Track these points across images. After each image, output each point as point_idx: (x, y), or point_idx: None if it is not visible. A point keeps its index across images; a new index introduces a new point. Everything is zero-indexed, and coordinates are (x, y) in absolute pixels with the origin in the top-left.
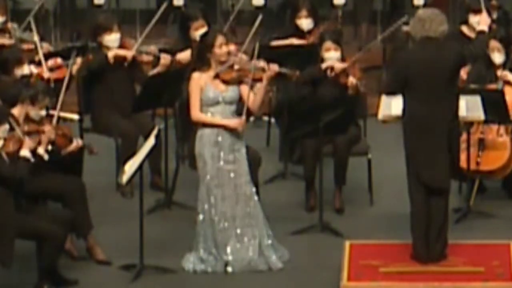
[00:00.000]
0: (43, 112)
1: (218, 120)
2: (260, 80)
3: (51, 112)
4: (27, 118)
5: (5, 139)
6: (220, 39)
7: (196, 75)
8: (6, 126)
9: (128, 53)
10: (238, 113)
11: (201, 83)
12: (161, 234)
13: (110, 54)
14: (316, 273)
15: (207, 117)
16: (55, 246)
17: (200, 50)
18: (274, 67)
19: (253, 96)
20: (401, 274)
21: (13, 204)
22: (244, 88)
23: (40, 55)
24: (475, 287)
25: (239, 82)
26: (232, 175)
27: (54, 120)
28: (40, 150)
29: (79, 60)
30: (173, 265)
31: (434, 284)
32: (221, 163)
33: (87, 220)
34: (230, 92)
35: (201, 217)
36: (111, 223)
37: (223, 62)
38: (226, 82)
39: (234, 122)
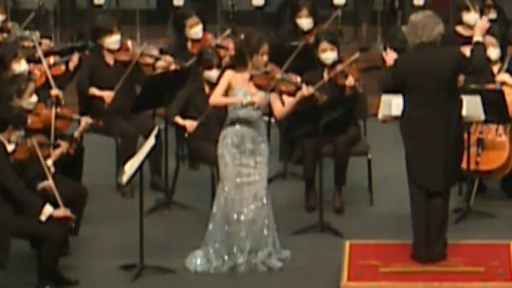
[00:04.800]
0: (35, 98)
1: (234, 98)
2: (288, 93)
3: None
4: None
5: (17, 144)
6: (265, 47)
7: (230, 73)
8: (21, 133)
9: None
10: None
11: (233, 82)
12: (161, 234)
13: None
14: (316, 273)
15: (223, 98)
16: (55, 246)
17: (241, 51)
18: (311, 89)
19: (280, 106)
20: (401, 274)
21: (12, 205)
22: (274, 97)
23: (40, 53)
24: (475, 287)
25: (270, 90)
26: (251, 179)
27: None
28: (49, 162)
29: (76, 57)
30: (173, 265)
31: (434, 284)
32: (242, 166)
33: (76, 226)
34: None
35: (216, 216)
36: (111, 223)
37: (259, 68)
38: (258, 87)
39: (254, 97)
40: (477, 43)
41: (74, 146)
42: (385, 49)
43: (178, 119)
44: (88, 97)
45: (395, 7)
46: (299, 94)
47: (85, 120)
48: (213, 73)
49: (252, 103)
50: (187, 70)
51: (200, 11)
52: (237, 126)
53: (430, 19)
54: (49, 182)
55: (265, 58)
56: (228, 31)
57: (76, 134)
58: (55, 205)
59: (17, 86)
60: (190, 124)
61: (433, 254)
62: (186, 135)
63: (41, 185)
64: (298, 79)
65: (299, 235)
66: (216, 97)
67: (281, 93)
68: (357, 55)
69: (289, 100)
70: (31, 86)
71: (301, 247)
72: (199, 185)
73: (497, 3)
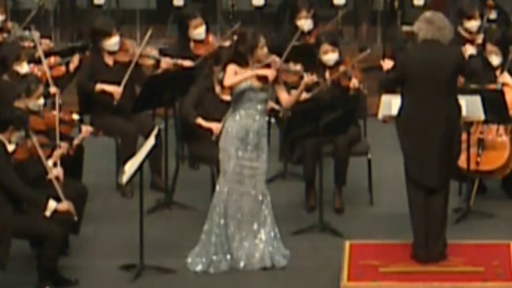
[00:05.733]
0: (42, 101)
1: (250, 72)
2: (291, 83)
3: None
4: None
5: (17, 145)
6: (262, 40)
7: (234, 66)
8: (22, 133)
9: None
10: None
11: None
12: (161, 234)
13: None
14: (316, 273)
15: (238, 76)
16: (55, 246)
17: (239, 51)
18: (313, 77)
19: (286, 96)
20: (401, 274)
21: (12, 205)
22: (278, 87)
23: (40, 53)
24: (475, 287)
25: (273, 81)
26: (253, 172)
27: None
28: (50, 163)
29: (76, 58)
30: (173, 265)
31: (434, 284)
32: (245, 159)
33: (77, 225)
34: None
35: (216, 210)
36: (111, 223)
37: (261, 61)
38: (261, 80)
39: (265, 71)
40: (471, 56)
41: (74, 148)
42: (383, 58)
43: (201, 121)
44: (90, 97)
45: (395, 7)
46: (302, 83)
47: (86, 129)
48: None
49: (265, 77)
50: (188, 70)
51: (201, 11)
52: (242, 120)
53: (448, 24)
54: (51, 176)
55: (265, 50)
56: (237, 25)
57: (76, 141)
58: (58, 200)
59: (27, 85)
60: (217, 127)
61: (433, 254)
62: (213, 138)
63: (49, 176)
64: (299, 67)
65: (299, 235)
66: (229, 79)
67: (284, 83)
68: (368, 51)
69: (292, 93)
70: (41, 88)
71: (301, 247)
72: (199, 185)
73: (498, 4)
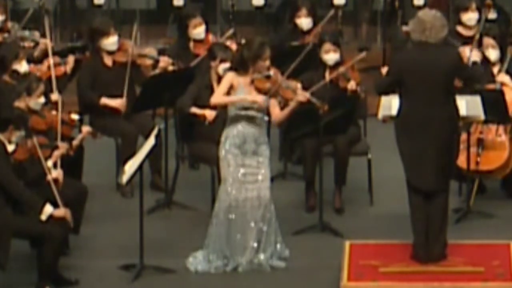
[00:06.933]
0: (42, 100)
1: (237, 97)
2: (286, 99)
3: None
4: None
5: (17, 145)
6: (267, 52)
7: (231, 74)
8: (22, 133)
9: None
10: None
11: (234, 83)
12: (161, 234)
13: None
14: (316, 273)
15: (225, 97)
16: (54, 246)
17: (243, 56)
18: (306, 94)
19: (278, 112)
20: (401, 274)
21: (12, 206)
22: (273, 102)
23: (48, 47)
24: (475, 287)
25: (270, 94)
26: (254, 178)
27: (59, 112)
28: (49, 163)
29: (71, 58)
30: (173, 265)
31: (434, 284)
32: (245, 166)
33: (77, 225)
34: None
35: (218, 217)
36: (111, 223)
37: (261, 72)
38: (258, 90)
39: (255, 97)
40: (474, 63)
41: (74, 149)
42: (383, 64)
43: (195, 109)
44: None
45: (395, 7)
46: (294, 100)
47: (85, 130)
48: (227, 65)
49: (254, 102)
50: (188, 70)
51: (201, 11)
52: (239, 127)
53: (439, 20)
54: (50, 178)
55: (267, 63)
56: (231, 31)
57: (75, 142)
58: (55, 205)
59: (28, 84)
60: (210, 113)
61: (433, 254)
62: (206, 123)
63: (48, 178)
64: (296, 84)
65: (299, 235)
66: (218, 97)
67: (281, 98)
68: (363, 54)
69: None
70: (42, 87)
71: (301, 247)
72: (199, 185)
73: (497, 3)
